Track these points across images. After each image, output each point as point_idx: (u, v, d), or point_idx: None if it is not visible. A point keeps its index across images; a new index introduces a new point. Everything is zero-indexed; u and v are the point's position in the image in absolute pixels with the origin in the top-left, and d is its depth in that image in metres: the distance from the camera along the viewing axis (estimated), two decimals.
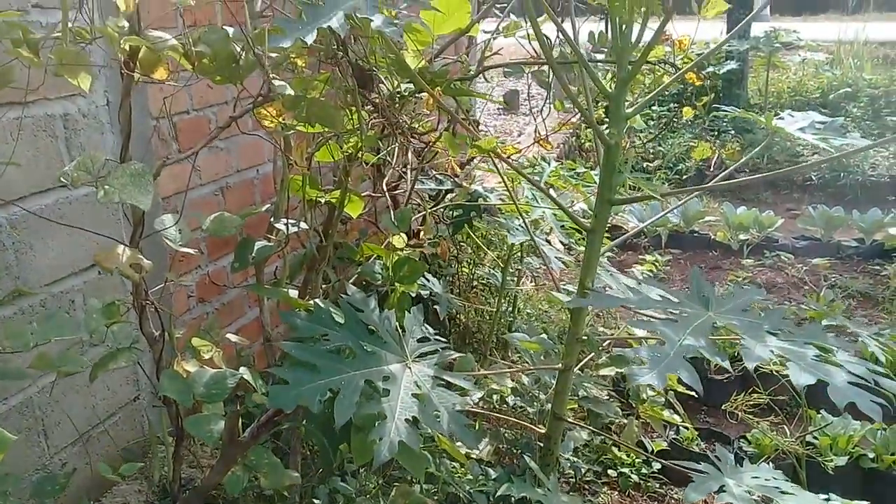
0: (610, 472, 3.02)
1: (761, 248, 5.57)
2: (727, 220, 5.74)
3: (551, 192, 3.10)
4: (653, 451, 3.05)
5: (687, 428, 3.20)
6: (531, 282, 4.20)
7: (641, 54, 1.57)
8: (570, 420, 1.93)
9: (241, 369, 1.67)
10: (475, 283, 3.52)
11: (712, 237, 5.80)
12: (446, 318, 2.84)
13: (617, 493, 3.06)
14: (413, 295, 2.06)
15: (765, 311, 1.33)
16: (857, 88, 8.64)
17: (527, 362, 2.40)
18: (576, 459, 2.51)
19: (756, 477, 1.58)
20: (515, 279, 3.43)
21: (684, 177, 7.38)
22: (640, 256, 5.50)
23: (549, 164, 3.30)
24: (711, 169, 5.49)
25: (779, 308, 1.35)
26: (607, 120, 1.68)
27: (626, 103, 1.71)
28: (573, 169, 3.60)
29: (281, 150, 1.64)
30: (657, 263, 5.34)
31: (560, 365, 1.85)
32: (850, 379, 1.17)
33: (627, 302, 1.29)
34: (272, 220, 1.97)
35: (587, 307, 1.79)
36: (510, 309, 3.31)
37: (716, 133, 8.05)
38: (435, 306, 2.45)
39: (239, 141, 2.81)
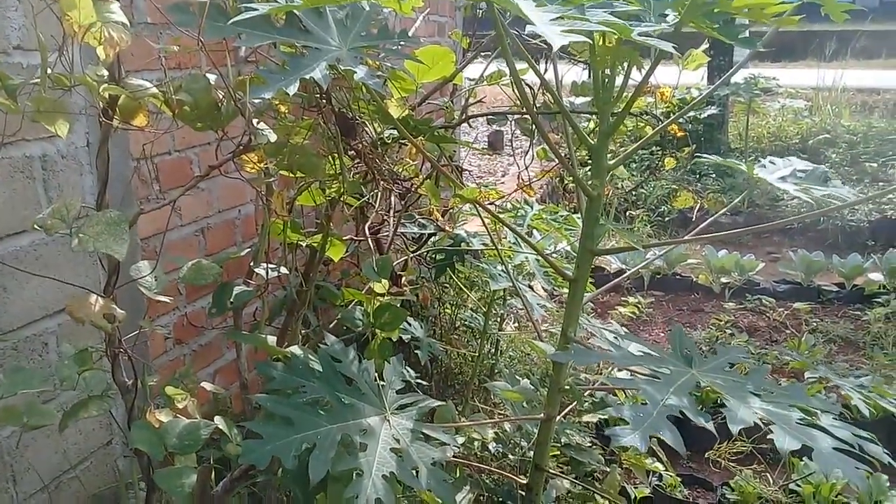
0: None
1: (743, 292, 5.59)
2: (709, 263, 5.77)
3: (535, 234, 3.10)
4: (636, 498, 3.01)
5: (671, 475, 3.17)
6: (514, 324, 4.19)
7: (624, 107, 1.58)
8: (551, 471, 1.90)
9: (216, 419, 1.63)
10: (458, 325, 3.50)
11: (694, 280, 5.82)
12: (428, 362, 2.81)
13: None
14: (394, 339, 2.04)
15: (749, 370, 1.32)
16: (836, 134, 8.78)
17: (508, 409, 2.38)
18: None
19: None
20: (498, 321, 3.41)
21: (666, 219, 7.44)
22: (623, 298, 5.50)
23: (531, 207, 3.31)
24: (695, 214, 5.53)
25: (762, 367, 1.34)
26: (589, 169, 1.68)
27: (609, 154, 1.72)
28: (556, 212, 3.62)
29: (262, 196, 1.63)
30: (640, 305, 5.35)
31: (542, 415, 1.82)
32: (835, 444, 1.16)
33: (609, 358, 1.27)
34: (252, 264, 1.95)
35: None
36: (493, 352, 3.28)
37: (697, 176, 8.13)
38: (416, 350, 2.43)
39: (220, 182, 2.79)
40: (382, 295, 1.97)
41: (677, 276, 5.91)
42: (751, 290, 5.59)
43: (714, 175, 8.01)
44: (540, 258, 2.52)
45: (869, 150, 8.39)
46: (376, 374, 1.50)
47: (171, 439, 1.41)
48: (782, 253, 6.78)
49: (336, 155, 1.64)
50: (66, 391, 1.96)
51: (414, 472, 1.34)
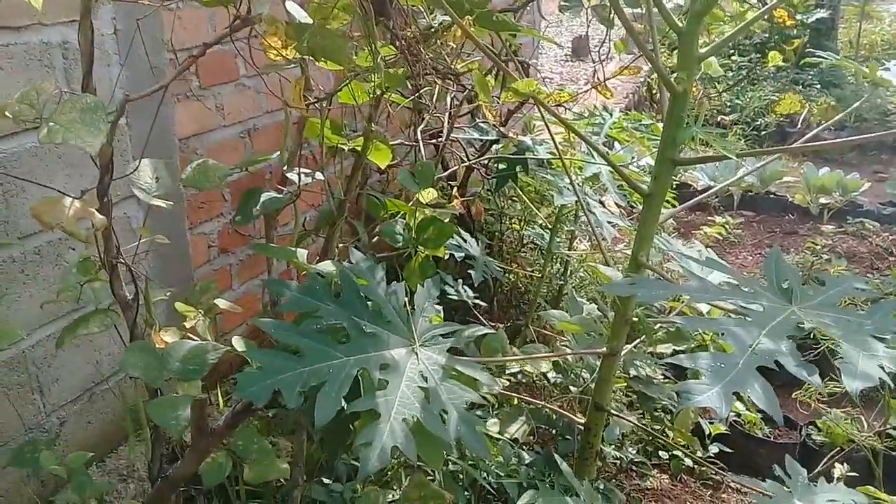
0: (661, 453, 2.76)
1: (844, 214, 5.12)
2: (807, 181, 5.29)
3: (616, 145, 2.78)
4: (710, 434, 2.77)
5: (750, 411, 2.90)
6: (587, 242, 3.90)
7: None
8: (614, 411, 1.68)
9: (234, 339, 1.46)
10: (525, 242, 3.25)
11: (790, 199, 5.36)
12: (491, 281, 2.58)
13: (668, 477, 2.81)
14: (446, 257, 1.82)
15: (869, 306, 1.03)
16: None
17: (570, 337, 2.15)
18: (618, 454, 2.24)
19: (832, 501, 1.31)
20: (568, 240, 3.14)
21: (763, 133, 6.87)
22: (710, 218, 5.10)
23: (611, 114, 2.98)
24: (799, 126, 5.01)
25: (889, 302, 1.04)
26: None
27: (700, 43, 1.40)
28: (638, 120, 3.26)
29: (282, 99, 1.40)
30: (728, 226, 4.94)
31: (604, 349, 1.58)
32: None
33: (685, 292, 1.00)
34: (284, 168, 1.75)
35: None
36: (561, 272, 3.03)
37: (801, 86, 7.46)
38: (470, 270, 2.20)
39: (271, 78, 2.57)
40: (428, 207, 1.73)
41: (771, 195, 5.45)
42: (853, 213, 5.11)
43: (819, 85, 7.32)
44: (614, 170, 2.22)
45: None
46: (406, 300, 1.28)
47: (174, 363, 1.24)
48: (890, 172, 6.19)
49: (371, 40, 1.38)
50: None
51: (443, 415, 1.14)
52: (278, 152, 1.76)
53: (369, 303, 1.25)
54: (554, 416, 2.12)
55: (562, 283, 3.16)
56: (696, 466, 2.76)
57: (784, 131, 6.93)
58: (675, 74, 1.34)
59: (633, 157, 2.84)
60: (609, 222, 2.00)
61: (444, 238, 1.64)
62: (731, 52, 7.56)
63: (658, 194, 1.44)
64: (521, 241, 3.26)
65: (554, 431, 2.10)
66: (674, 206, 2.70)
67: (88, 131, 1.01)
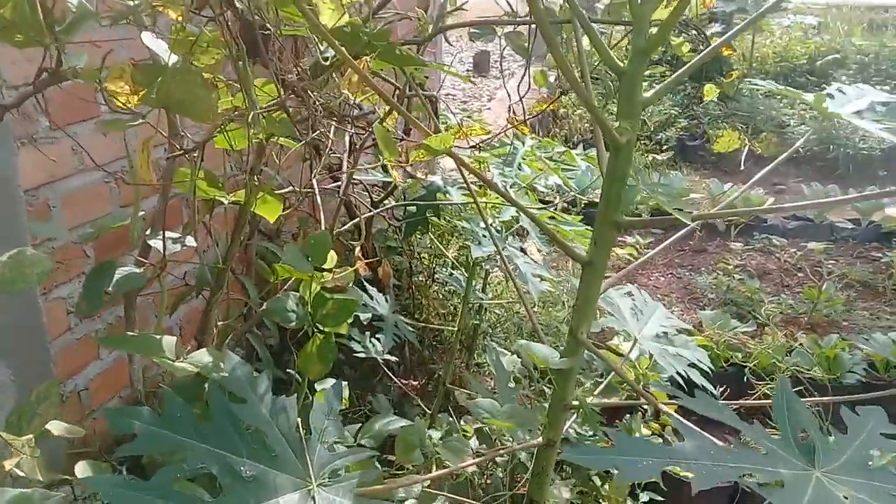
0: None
1: (750, 230, 5.12)
2: (713, 197, 5.27)
3: (524, 168, 2.56)
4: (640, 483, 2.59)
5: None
6: (500, 271, 3.68)
7: (672, 12, 1.04)
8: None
9: (78, 466, 1.14)
10: (434, 279, 3.00)
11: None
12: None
13: None
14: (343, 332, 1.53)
15: None
16: (846, 55, 8.17)
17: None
18: None
19: None
20: (482, 277, 2.91)
21: (664, 147, 6.89)
22: (619, 238, 5.00)
23: (523, 143, 2.77)
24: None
25: None
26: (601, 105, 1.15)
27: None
28: (551, 147, 3.07)
29: (135, 149, 1.09)
30: (638, 246, 4.85)
31: (540, 440, 1.34)
32: None
33: (677, 457, 0.75)
34: (147, 234, 1.43)
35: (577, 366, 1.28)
36: (475, 316, 2.79)
37: (697, 100, 7.54)
38: (378, 335, 1.93)
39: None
40: (330, 271, 1.45)
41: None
42: (758, 228, 5.12)
43: (715, 100, 7.40)
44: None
45: (881, 72, 7.81)
46: (298, 421, 0.99)
47: None
48: (788, 185, 6.29)
49: (245, 82, 1.10)
50: None
51: None
52: (141, 213, 1.44)
53: (249, 431, 0.96)
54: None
55: (477, 322, 2.93)
56: None
57: (684, 145, 6.97)
58: (616, 122, 1.12)
59: (544, 179, 2.63)
60: (534, 275, 1.77)
61: (347, 313, 1.36)
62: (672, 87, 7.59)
63: (600, 262, 1.21)
64: (431, 278, 3.01)
65: None
66: (584, 234, 2.49)
67: None
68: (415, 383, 2.29)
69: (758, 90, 7.33)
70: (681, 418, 0.80)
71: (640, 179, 1.15)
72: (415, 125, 1.14)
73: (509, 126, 1.73)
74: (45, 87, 0.89)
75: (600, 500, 2.17)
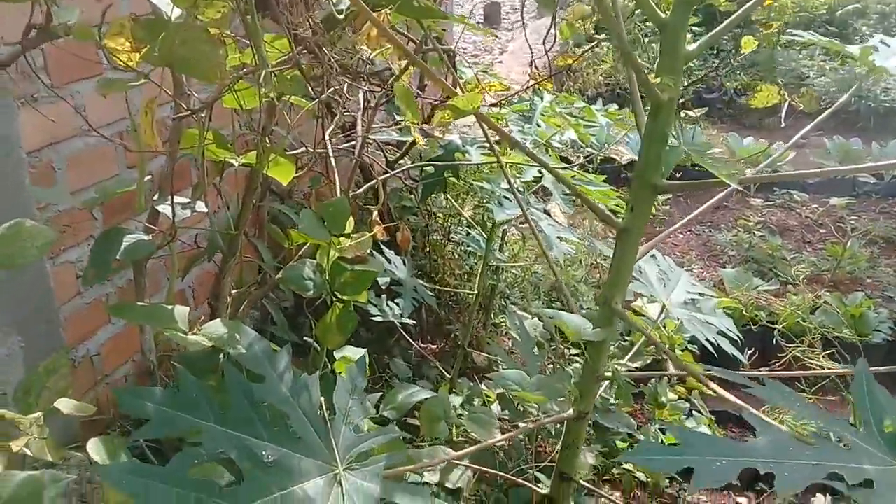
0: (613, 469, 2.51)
1: (770, 185, 5.00)
2: (733, 152, 5.14)
3: (542, 125, 2.47)
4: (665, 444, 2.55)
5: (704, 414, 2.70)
6: (516, 230, 3.60)
7: None
8: (582, 481, 1.39)
9: (90, 444, 1.09)
10: (450, 238, 2.92)
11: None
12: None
13: (620, 493, 2.57)
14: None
15: None
16: (866, 4, 7.91)
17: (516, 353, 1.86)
18: None
19: None
20: (500, 237, 2.83)
21: (681, 100, 6.72)
22: None
23: (541, 98, 2.67)
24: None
25: None
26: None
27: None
28: (571, 103, 2.97)
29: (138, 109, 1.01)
30: (656, 203, 4.75)
31: (570, 412, 1.28)
32: None
33: (751, 455, 0.67)
34: (154, 199, 1.37)
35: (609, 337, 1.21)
36: (493, 277, 2.72)
37: (714, 52, 7.34)
38: (398, 300, 1.86)
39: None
40: (347, 236, 1.38)
41: (696, 168, 5.27)
42: (778, 183, 5.00)
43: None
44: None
45: None
46: (322, 399, 0.93)
47: None
48: (809, 139, 6.13)
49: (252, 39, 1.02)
50: None
51: None
52: (148, 176, 1.38)
53: (269, 412, 0.90)
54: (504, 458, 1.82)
55: (494, 283, 2.86)
56: (649, 479, 2.52)
57: (701, 98, 6.80)
58: (657, 78, 1.03)
59: (559, 135, 2.55)
60: (558, 237, 1.70)
61: (366, 282, 1.29)
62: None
63: (636, 229, 1.14)
64: (447, 238, 2.94)
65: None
66: (609, 194, 2.41)
67: None
68: (433, 347, 2.23)
69: (777, 41, 7.13)
70: (754, 410, 0.74)
71: (682, 139, 1.07)
72: (439, 84, 1.06)
73: (533, 82, 1.63)
74: (33, 45, 0.82)
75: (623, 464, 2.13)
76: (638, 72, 1.01)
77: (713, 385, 0.92)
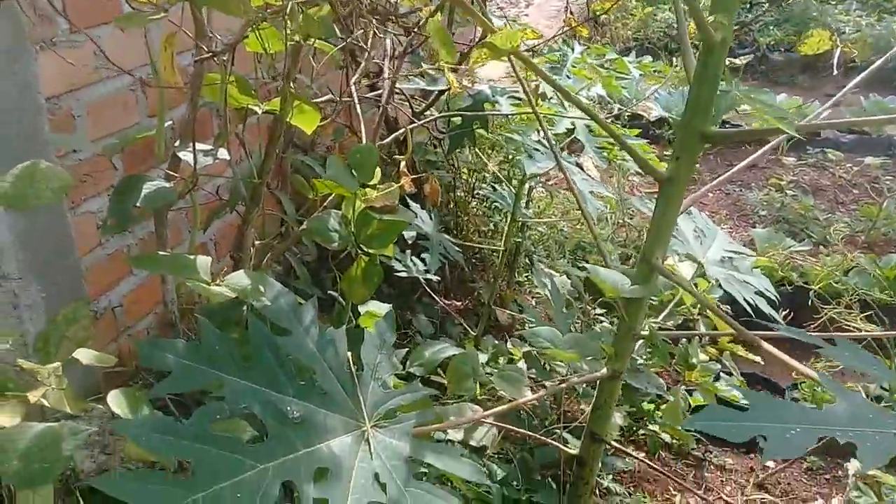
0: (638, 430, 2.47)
1: (803, 144, 4.86)
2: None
3: (570, 80, 2.38)
4: (690, 407, 2.50)
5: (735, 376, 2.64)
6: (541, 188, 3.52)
7: None
8: (613, 442, 1.35)
9: (111, 395, 1.06)
10: (474, 195, 2.86)
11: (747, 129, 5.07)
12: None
13: (644, 454, 2.54)
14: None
15: None
16: None
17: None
18: (618, 489, 1.92)
19: None
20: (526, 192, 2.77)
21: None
22: (665, 152, 4.79)
23: (572, 49, 2.58)
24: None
25: None
26: None
27: None
28: (602, 55, 2.87)
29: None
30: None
31: (605, 371, 1.24)
32: None
33: (827, 423, 0.61)
34: (176, 145, 1.32)
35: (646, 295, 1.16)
36: (518, 234, 2.66)
37: (748, 6, 7.11)
38: (424, 255, 1.82)
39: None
40: (373, 187, 1.33)
41: (727, 125, 5.15)
42: (812, 142, 4.86)
43: (766, 4, 6.96)
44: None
45: None
46: (349, 355, 0.89)
47: (10, 462, 0.84)
48: (845, 96, 5.95)
49: None
50: None
51: None
52: (168, 122, 1.33)
53: (295, 366, 0.86)
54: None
55: (519, 240, 2.80)
56: (675, 442, 2.48)
57: (734, 53, 6.62)
58: (711, 17, 0.96)
59: (586, 89, 2.46)
60: (591, 192, 1.63)
61: (393, 234, 1.24)
62: None
63: (681, 179, 1.07)
64: (472, 193, 2.88)
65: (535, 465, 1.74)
66: (644, 149, 2.32)
67: None
68: (457, 304, 2.19)
69: None
70: (830, 377, 0.68)
71: (732, 84, 1.00)
72: (476, 18, 0.99)
73: (567, 27, 1.55)
74: None
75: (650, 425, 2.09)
76: (698, 16, 0.94)
77: (766, 346, 0.87)
